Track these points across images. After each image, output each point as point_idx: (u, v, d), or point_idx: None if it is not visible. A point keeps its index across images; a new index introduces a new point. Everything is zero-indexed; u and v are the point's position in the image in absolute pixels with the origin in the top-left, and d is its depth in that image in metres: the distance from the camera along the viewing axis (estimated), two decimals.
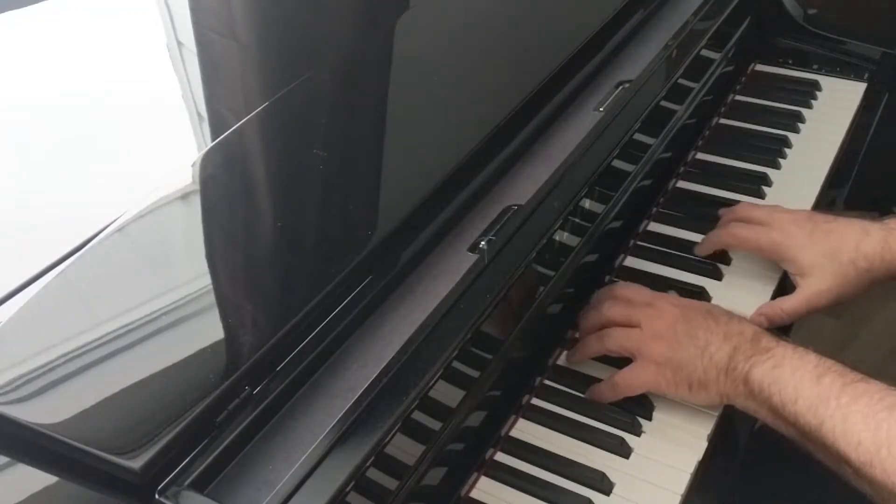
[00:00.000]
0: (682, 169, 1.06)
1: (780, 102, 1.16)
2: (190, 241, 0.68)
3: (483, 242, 0.71)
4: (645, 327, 0.76)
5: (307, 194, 0.73)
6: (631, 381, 0.76)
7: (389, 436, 0.57)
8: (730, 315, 0.76)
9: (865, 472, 0.62)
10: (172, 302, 0.61)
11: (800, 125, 1.12)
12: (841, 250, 0.82)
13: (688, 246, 0.94)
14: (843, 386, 0.66)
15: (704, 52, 1.01)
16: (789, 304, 0.84)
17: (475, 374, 0.69)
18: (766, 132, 1.11)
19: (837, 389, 0.65)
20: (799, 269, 0.84)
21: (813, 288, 0.83)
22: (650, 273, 0.91)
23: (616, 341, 0.77)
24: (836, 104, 1.16)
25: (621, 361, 0.78)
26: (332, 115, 0.82)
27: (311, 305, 0.61)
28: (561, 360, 0.83)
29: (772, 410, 0.69)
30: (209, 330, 0.60)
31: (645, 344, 0.75)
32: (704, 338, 0.73)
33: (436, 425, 0.64)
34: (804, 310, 0.84)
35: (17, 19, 0.96)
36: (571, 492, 0.71)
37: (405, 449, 0.61)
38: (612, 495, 0.71)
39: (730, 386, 0.72)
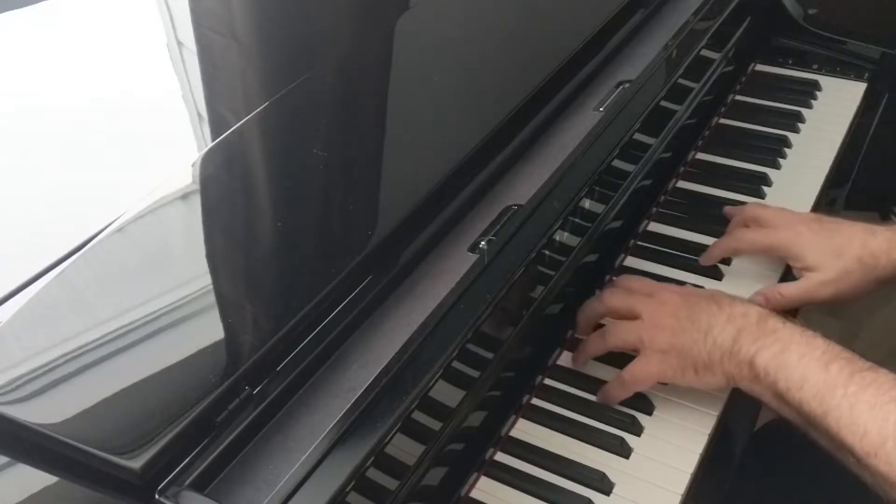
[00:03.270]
0: (682, 169, 1.06)
1: (780, 102, 1.16)
2: (190, 241, 0.68)
3: (483, 242, 0.71)
4: (646, 318, 0.76)
5: (307, 194, 0.73)
6: (638, 374, 0.75)
7: (389, 436, 0.57)
8: (733, 298, 0.75)
9: (869, 463, 0.62)
10: (172, 302, 0.61)
11: (800, 125, 1.12)
12: (848, 248, 0.82)
13: (688, 246, 0.94)
14: (851, 374, 0.65)
15: (704, 52, 1.01)
16: (789, 289, 0.84)
17: (475, 374, 0.69)
18: (766, 132, 1.11)
19: (845, 378, 0.65)
20: (805, 266, 0.84)
21: (816, 279, 0.83)
22: (650, 273, 0.91)
23: (618, 336, 0.77)
24: (836, 104, 1.16)
25: (622, 360, 0.78)
26: (332, 115, 0.82)
27: (312, 305, 0.61)
28: (561, 361, 0.83)
29: (776, 395, 0.69)
30: (209, 330, 0.60)
31: (647, 334, 0.75)
32: (707, 321, 0.73)
33: (436, 425, 0.64)
34: (803, 298, 0.84)
35: (17, 19, 0.96)
36: (571, 492, 0.71)
37: (405, 449, 0.61)
38: (612, 495, 0.71)
39: (734, 368, 0.71)
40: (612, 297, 0.79)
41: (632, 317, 0.77)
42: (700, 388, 0.75)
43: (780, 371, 0.68)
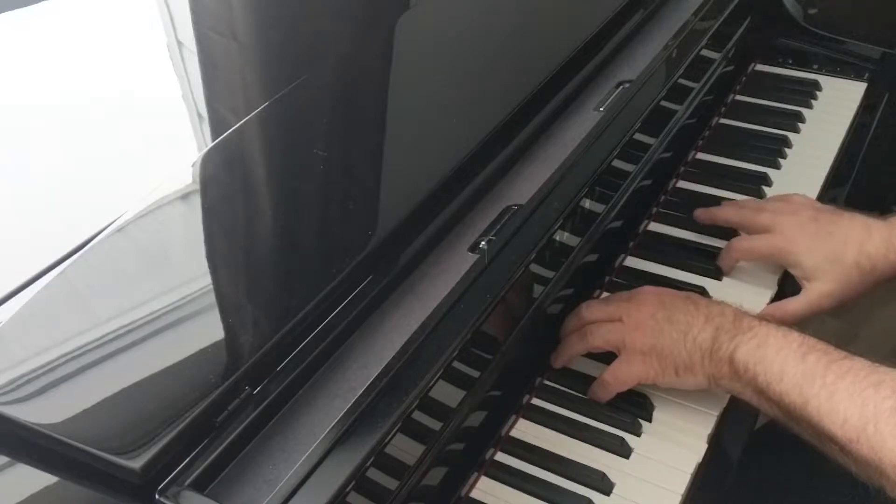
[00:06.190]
0: (682, 169, 1.06)
1: (780, 102, 1.16)
2: (190, 241, 0.68)
3: (483, 242, 0.71)
4: (626, 320, 0.76)
5: (307, 194, 0.73)
6: (619, 375, 0.76)
7: (389, 436, 0.57)
8: (709, 299, 0.77)
9: (851, 449, 0.62)
10: (172, 302, 0.61)
11: (800, 125, 1.12)
12: (844, 252, 0.82)
13: (688, 246, 0.94)
14: (829, 363, 0.66)
15: (704, 52, 1.01)
16: (794, 306, 0.84)
17: (475, 373, 0.69)
18: (766, 132, 1.11)
19: (823, 367, 0.66)
20: (803, 273, 0.85)
21: (817, 291, 0.83)
22: (650, 273, 0.91)
23: (600, 336, 0.77)
24: (836, 104, 1.16)
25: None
26: (333, 114, 0.82)
27: (312, 305, 0.61)
28: None
29: (757, 390, 0.69)
30: (209, 330, 0.60)
31: (628, 335, 0.76)
32: (685, 321, 0.74)
33: (436, 425, 0.64)
34: (809, 312, 0.84)
35: (17, 19, 0.96)
36: (571, 492, 0.71)
37: (405, 449, 0.61)
38: (612, 495, 0.71)
39: (714, 367, 0.72)
40: (590, 310, 0.80)
41: (612, 321, 0.78)
42: (680, 388, 0.76)
43: (759, 365, 0.69)
